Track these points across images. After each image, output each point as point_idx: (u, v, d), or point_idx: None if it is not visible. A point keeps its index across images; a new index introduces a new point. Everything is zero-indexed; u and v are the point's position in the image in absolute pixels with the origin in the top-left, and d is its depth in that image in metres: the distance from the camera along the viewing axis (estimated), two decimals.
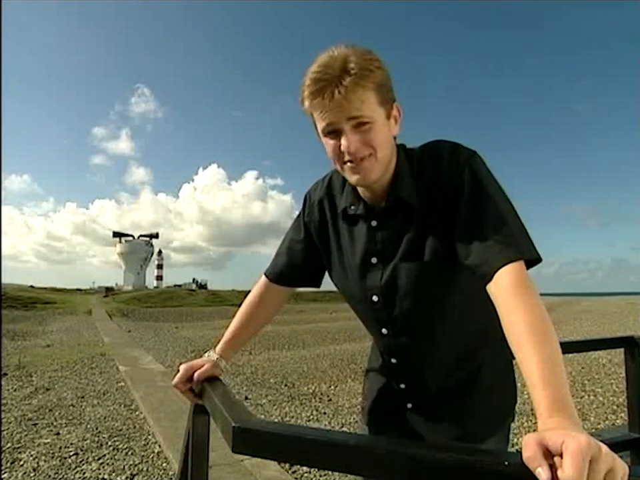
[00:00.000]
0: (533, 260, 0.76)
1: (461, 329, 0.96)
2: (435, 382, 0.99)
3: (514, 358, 0.75)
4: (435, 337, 0.96)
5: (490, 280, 0.74)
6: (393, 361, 1.01)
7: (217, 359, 1.02)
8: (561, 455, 0.45)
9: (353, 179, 0.87)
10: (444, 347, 0.96)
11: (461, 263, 0.81)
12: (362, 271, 0.95)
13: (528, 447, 0.47)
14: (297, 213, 1.13)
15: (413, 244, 0.89)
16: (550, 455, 0.46)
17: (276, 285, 1.11)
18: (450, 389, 0.98)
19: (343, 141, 0.82)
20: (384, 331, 0.98)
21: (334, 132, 0.83)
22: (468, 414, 0.97)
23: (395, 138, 0.91)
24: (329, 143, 0.85)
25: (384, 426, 1.09)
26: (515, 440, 3.83)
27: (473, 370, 0.97)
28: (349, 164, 0.85)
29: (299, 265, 1.08)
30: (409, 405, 1.03)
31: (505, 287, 0.71)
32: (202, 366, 0.98)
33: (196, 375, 0.96)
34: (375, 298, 0.95)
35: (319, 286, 1.11)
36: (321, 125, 0.84)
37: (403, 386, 1.02)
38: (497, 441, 0.97)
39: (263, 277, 1.13)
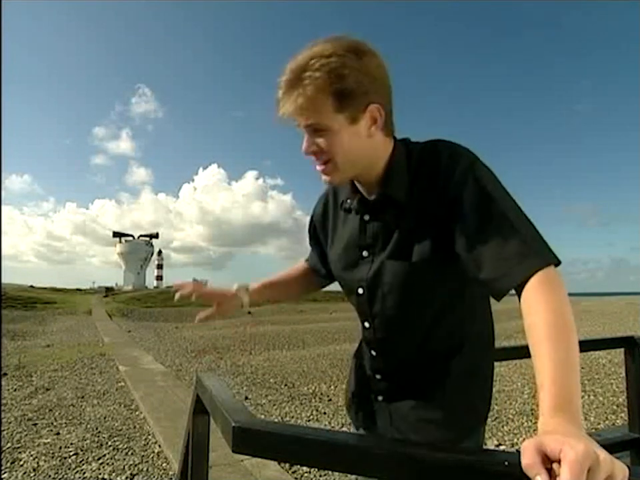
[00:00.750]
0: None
1: (441, 331, 0.95)
2: (408, 378, 0.99)
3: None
4: (413, 337, 0.96)
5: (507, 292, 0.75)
6: (373, 353, 1.02)
7: (246, 289, 1.14)
8: (559, 462, 0.45)
9: (322, 179, 0.91)
10: (421, 347, 0.96)
11: (474, 277, 0.79)
12: (354, 263, 0.98)
13: (526, 454, 0.47)
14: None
15: (402, 242, 0.89)
16: (549, 461, 0.46)
17: (311, 271, 1.23)
18: (422, 387, 0.98)
19: (304, 142, 0.87)
20: (366, 324, 1.00)
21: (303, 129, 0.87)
22: (435, 415, 0.95)
23: (393, 133, 0.91)
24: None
25: (357, 412, 1.10)
26: (515, 440, 3.83)
27: (447, 371, 0.96)
28: (315, 167, 0.90)
29: (319, 259, 1.18)
30: (380, 397, 1.03)
31: (527, 288, 0.71)
32: (222, 294, 1.12)
33: (209, 287, 1.10)
34: (360, 290, 0.96)
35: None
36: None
37: (378, 377, 1.03)
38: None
39: (303, 260, 1.26)
